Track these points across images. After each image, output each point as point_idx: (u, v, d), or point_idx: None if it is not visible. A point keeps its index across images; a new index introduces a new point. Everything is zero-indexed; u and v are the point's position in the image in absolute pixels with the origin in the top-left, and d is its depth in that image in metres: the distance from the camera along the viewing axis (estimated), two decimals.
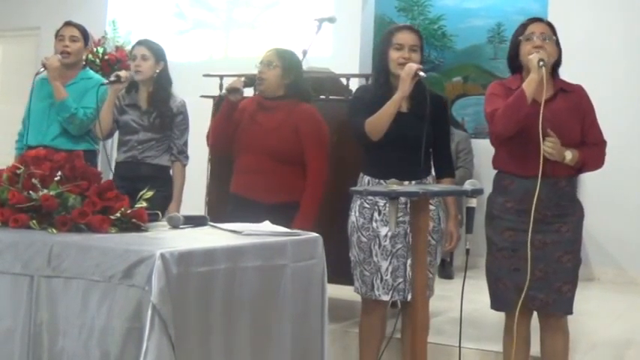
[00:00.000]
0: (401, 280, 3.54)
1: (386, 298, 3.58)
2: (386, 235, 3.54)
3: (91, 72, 4.82)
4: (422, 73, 3.45)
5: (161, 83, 4.43)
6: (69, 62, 4.59)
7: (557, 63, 3.39)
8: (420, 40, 3.61)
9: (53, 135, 4.52)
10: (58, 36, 4.64)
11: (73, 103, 4.47)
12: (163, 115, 4.38)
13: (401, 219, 3.47)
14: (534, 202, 3.19)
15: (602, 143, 3.41)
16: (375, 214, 3.58)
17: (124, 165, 4.42)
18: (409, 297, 3.49)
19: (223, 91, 3.94)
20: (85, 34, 4.68)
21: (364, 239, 3.59)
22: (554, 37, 3.35)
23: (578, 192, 3.48)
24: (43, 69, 4.51)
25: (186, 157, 4.47)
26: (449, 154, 3.75)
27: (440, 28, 7.84)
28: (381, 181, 3.52)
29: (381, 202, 3.53)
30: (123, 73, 4.36)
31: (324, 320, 2.99)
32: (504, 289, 3.37)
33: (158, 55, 4.45)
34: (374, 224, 3.58)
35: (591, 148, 3.36)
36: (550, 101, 3.29)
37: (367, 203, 3.59)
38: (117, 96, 4.42)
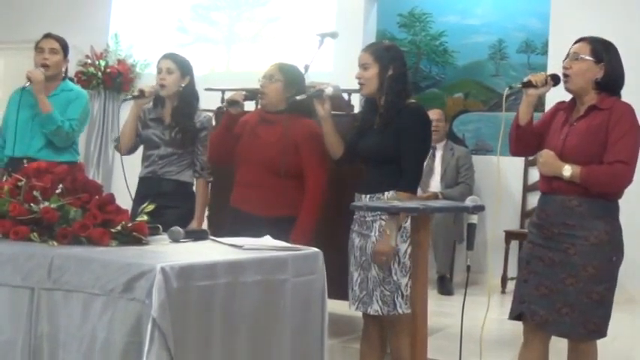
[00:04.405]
0: (365, 292, 3.55)
1: (354, 308, 3.61)
2: (357, 246, 3.59)
3: (71, 84, 4.76)
4: (327, 91, 3.68)
5: (186, 98, 4.24)
6: (49, 75, 4.53)
7: (606, 81, 3.28)
8: (371, 55, 3.57)
9: (38, 147, 4.48)
10: (38, 48, 4.58)
11: (59, 116, 4.44)
12: (186, 130, 4.19)
13: (364, 232, 3.55)
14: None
15: (618, 163, 3.15)
16: (356, 225, 3.63)
17: (144, 181, 4.24)
18: (369, 310, 3.54)
19: (223, 103, 3.93)
20: (64, 47, 4.62)
21: (349, 249, 3.66)
22: (588, 58, 3.28)
23: (607, 217, 3.28)
24: (28, 83, 4.44)
25: (210, 174, 4.31)
26: (408, 168, 3.51)
27: (441, 44, 7.87)
28: (356, 194, 3.63)
29: (356, 214, 3.60)
30: (147, 88, 4.20)
31: (324, 335, 2.98)
32: (514, 298, 3.42)
33: (184, 68, 4.25)
34: (352, 235, 3.64)
35: (598, 166, 3.18)
36: (579, 119, 3.29)
37: (354, 215, 3.65)
38: (142, 110, 4.27)
